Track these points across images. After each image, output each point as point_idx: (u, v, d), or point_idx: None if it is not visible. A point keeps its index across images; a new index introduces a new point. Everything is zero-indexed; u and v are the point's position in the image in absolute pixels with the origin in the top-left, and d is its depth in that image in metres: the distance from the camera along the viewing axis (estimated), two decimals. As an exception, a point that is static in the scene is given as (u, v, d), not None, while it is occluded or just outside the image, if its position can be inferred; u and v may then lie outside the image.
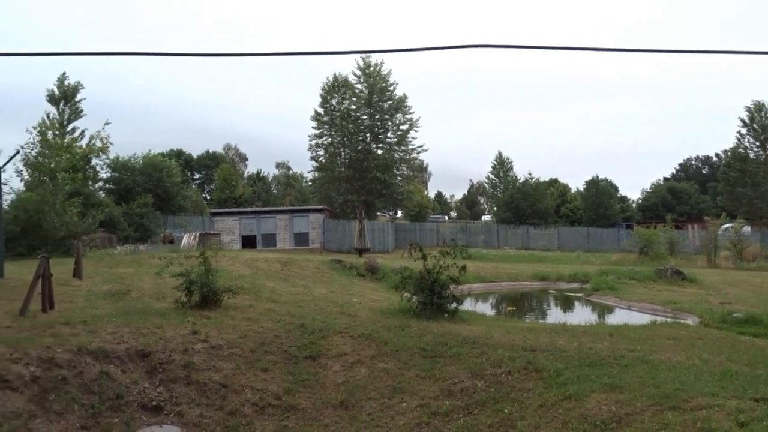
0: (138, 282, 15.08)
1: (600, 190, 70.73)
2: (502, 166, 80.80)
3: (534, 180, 69.53)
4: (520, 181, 72.02)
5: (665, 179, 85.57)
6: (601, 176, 73.79)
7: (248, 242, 42.41)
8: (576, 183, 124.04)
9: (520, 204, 62.98)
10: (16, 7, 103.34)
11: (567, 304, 21.00)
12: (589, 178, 74.65)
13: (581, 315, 16.92)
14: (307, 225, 43.55)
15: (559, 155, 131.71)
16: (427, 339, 9.73)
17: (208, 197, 76.19)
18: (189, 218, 43.51)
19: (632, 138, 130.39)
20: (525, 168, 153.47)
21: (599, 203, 69.27)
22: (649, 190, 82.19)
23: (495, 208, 77.70)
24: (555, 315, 17.68)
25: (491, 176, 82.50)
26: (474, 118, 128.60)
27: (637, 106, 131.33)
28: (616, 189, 77.83)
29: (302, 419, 7.76)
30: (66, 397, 7.25)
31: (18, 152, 26.46)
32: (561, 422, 6.20)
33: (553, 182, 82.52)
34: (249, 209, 50.33)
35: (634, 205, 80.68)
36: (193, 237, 32.10)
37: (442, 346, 9.31)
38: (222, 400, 7.99)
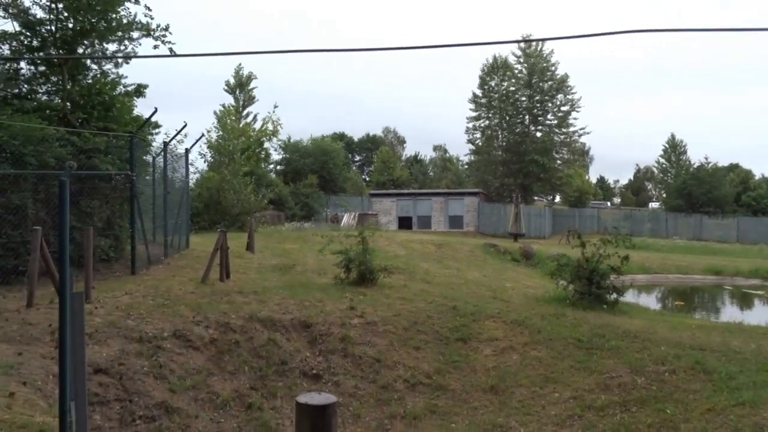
0: (302, 257, 16.09)
1: (791, 177, 62.97)
2: (674, 149, 74.96)
3: (711, 165, 63.53)
4: (695, 166, 66.20)
5: None
6: (794, 161, 65.69)
7: (404, 223, 43.32)
8: (761, 169, 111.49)
9: (694, 191, 57.82)
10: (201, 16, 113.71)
11: (744, 301, 19.13)
12: (778, 163, 66.76)
13: (761, 315, 15.36)
14: (462, 208, 43.50)
15: (742, 138, 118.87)
16: (583, 329, 9.39)
17: (367, 178, 78.83)
18: (349, 198, 45.38)
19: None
20: (700, 152, 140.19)
21: (789, 192, 61.71)
22: None
23: (664, 195, 72.29)
24: (729, 313, 16.22)
25: (661, 160, 76.93)
26: (643, 99, 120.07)
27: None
28: (810, 176, 68.88)
29: (452, 399, 7.87)
30: (238, 360, 7.99)
31: (203, 135, 29.29)
32: (731, 429, 5.70)
33: (734, 168, 74.82)
34: (406, 191, 51.30)
35: (832, 193, 70.75)
36: (352, 217, 33.50)
37: (599, 338, 8.94)
38: (375, 374, 8.33)
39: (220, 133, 33.41)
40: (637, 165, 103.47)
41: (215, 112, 38.65)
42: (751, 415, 5.85)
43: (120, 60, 15.06)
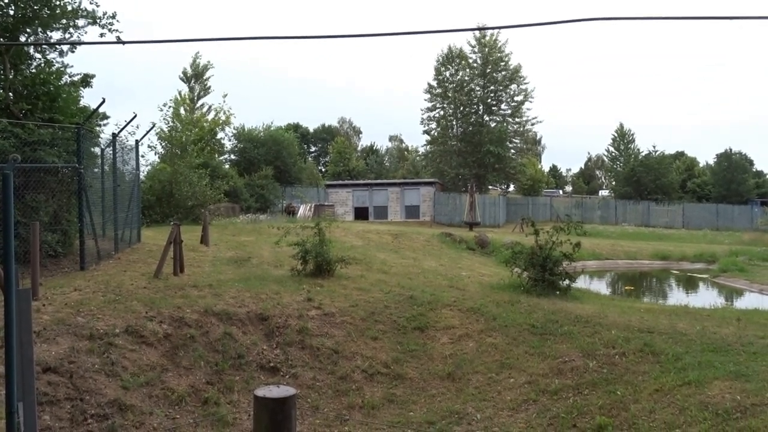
0: (258, 250, 15.93)
1: (733, 164, 65.38)
2: (623, 138, 76.80)
3: (658, 153, 65.40)
4: (643, 154, 68.09)
5: (811, 152, 77.56)
6: (735, 149, 68.23)
7: (360, 214, 43.31)
8: (705, 156, 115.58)
9: (642, 178, 59.47)
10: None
11: (690, 285, 19.85)
12: (720, 151, 69.22)
13: (705, 298, 15.96)
14: (419, 198, 43.74)
15: (687, 127, 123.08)
16: (537, 316, 9.59)
17: (323, 169, 78.39)
18: (305, 190, 45.08)
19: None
20: (648, 141, 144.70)
21: (731, 178, 64.06)
22: (792, 163, 74.91)
23: (614, 183, 74.16)
24: (676, 296, 16.81)
25: (611, 149, 78.72)
26: (594, 89, 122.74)
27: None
28: (750, 163, 71.59)
29: (410, 388, 7.94)
30: (194, 354, 7.87)
31: (154, 125, 28.63)
32: (678, 408, 5.93)
33: (679, 155, 77.32)
34: (362, 182, 51.22)
35: (772, 180, 73.86)
36: (308, 208, 33.27)
37: (553, 324, 9.14)
38: (333, 365, 8.33)
39: (171, 124, 32.68)
40: (589, 153, 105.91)
41: (167, 103, 37.87)
42: (697, 394, 6.09)
43: (65, 49, 14.56)
